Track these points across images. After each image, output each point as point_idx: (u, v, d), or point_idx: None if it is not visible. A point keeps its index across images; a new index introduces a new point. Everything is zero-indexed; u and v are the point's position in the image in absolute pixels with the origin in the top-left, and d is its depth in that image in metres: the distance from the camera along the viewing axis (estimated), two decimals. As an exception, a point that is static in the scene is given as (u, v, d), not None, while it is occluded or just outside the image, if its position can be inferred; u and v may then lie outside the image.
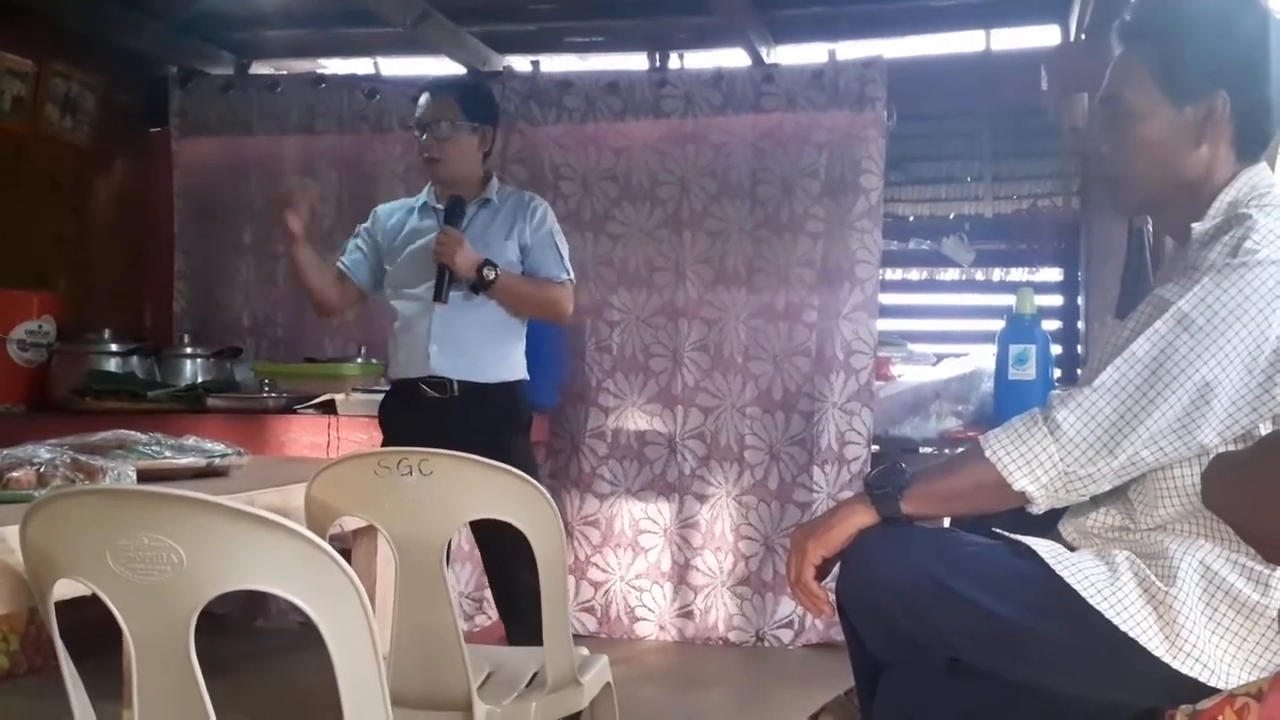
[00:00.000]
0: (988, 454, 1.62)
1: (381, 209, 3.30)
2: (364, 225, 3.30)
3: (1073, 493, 1.60)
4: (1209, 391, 1.52)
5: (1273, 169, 1.74)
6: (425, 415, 3.03)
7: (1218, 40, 1.67)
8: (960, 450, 1.69)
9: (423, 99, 3.14)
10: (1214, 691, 1.38)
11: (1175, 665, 1.50)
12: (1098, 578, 1.55)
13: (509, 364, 3.11)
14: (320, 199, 3.34)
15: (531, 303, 3.11)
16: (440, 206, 3.09)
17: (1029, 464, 1.59)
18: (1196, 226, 1.66)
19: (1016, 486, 1.59)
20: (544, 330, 4.13)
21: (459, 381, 3.03)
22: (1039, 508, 1.63)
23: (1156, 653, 1.50)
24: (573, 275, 3.18)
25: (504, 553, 2.91)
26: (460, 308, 3.01)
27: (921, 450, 4.56)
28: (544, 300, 3.10)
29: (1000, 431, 1.63)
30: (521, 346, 3.16)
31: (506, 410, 3.07)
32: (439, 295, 2.96)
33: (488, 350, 3.06)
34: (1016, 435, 1.61)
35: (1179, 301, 1.55)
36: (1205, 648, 1.50)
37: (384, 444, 3.10)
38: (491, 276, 2.95)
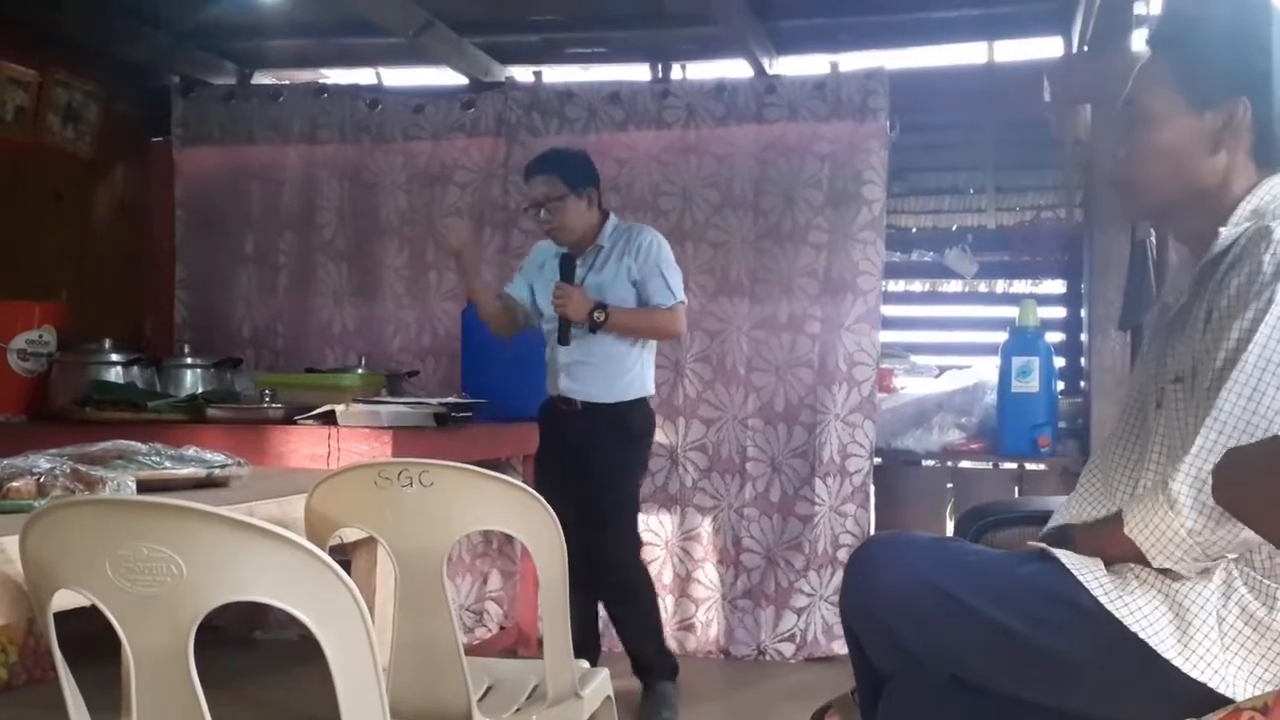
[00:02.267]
0: (1127, 530, 1.56)
1: (537, 247, 3.75)
2: (526, 258, 3.79)
3: (1220, 555, 1.54)
4: None
5: None
6: (561, 424, 3.59)
7: (1239, 48, 1.67)
8: (1106, 520, 1.64)
9: (531, 180, 3.54)
10: (1223, 702, 1.37)
11: (1187, 670, 1.49)
12: (1110, 583, 1.54)
13: (623, 386, 3.56)
14: (467, 233, 3.85)
15: (644, 331, 3.56)
16: (559, 256, 3.54)
17: (1162, 543, 1.53)
18: (1224, 232, 1.63)
19: (1157, 565, 1.54)
20: (544, 345, 4.15)
21: (582, 401, 3.54)
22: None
23: (1168, 655, 1.49)
24: (681, 297, 3.57)
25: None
26: (583, 342, 3.51)
27: (924, 463, 4.56)
28: (653, 326, 3.56)
29: (1136, 505, 1.58)
30: (641, 368, 3.60)
31: (623, 421, 3.56)
32: (562, 339, 3.51)
33: (605, 375, 3.54)
34: (1147, 511, 1.55)
35: (1252, 341, 1.52)
36: (1216, 655, 1.49)
37: (539, 448, 3.73)
38: (602, 319, 3.45)
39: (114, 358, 4.15)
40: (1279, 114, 1.66)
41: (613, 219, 3.61)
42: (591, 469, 3.50)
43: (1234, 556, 1.55)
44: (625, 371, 3.56)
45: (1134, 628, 1.50)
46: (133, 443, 2.09)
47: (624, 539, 3.59)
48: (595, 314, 3.44)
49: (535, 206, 3.53)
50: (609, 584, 3.61)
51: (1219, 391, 1.53)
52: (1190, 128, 1.68)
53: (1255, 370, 1.52)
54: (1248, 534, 1.50)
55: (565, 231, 3.52)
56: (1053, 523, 1.79)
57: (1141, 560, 1.56)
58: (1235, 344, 1.54)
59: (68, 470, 1.81)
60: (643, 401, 3.62)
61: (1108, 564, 1.59)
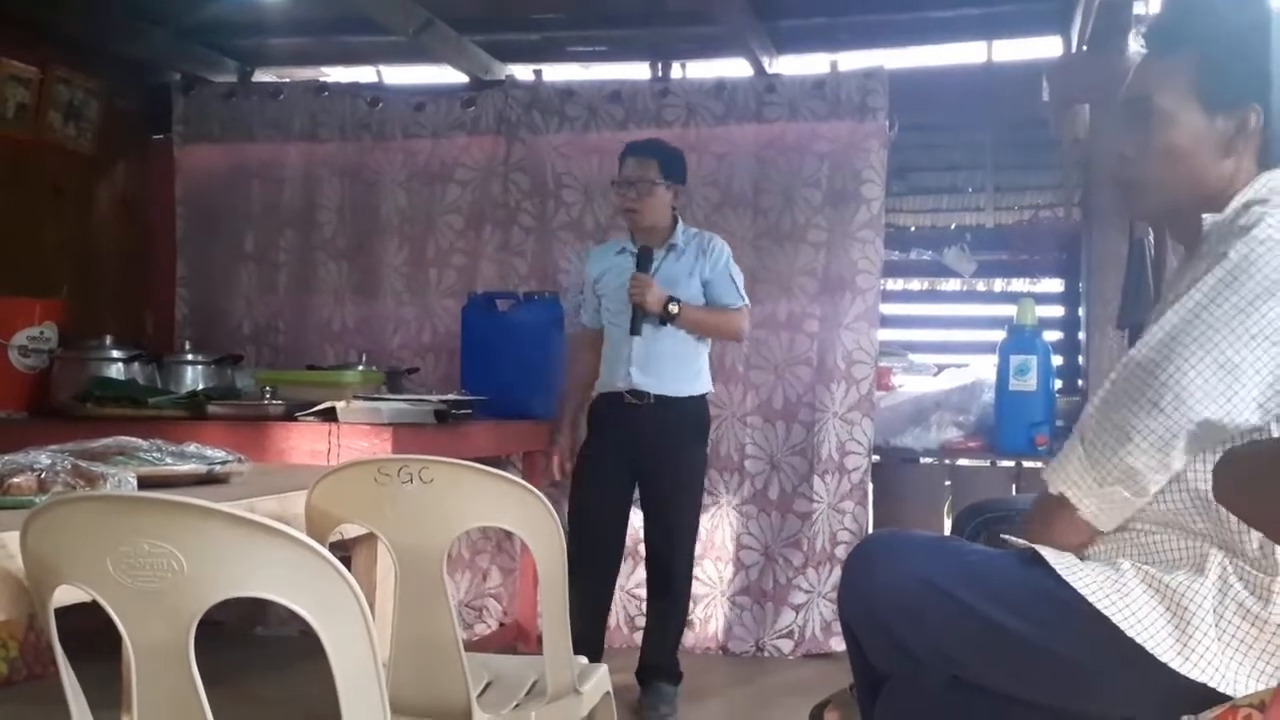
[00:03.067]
0: (1042, 474, 1.62)
1: (591, 257, 3.90)
2: (583, 278, 3.94)
3: (1112, 490, 1.57)
4: (1235, 370, 1.49)
5: None
6: (628, 418, 3.63)
7: (1261, 53, 1.66)
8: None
9: (630, 158, 3.64)
10: (1222, 699, 1.38)
11: (1185, 672, 1.49)
12: (1107, 585, 1.54)
13: (693, 381, 3.66)
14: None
15: (711, 328, 3.68)
16: (635, 250, 3.63)
17: (1063, 468, 1.60)
18: (1207, 218, 1.64)
19: (1054, 490, 1.59)
20: (544, 341, 4.13)
21: (655, 395, 3.60)
22: (1101, 522, 1.61)
23: (1165, 659, 1.49)
24: (747, 300, 3.71)
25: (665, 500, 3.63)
26: (653, 336, 3.58)
27: (922, 461, 4.57)
28: (721, 325, 3.68)
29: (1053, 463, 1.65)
30: (705, 365, 3.72)
31: (692, 417, 3.67)
32: (634, 329, 3.56)
33: (676, 369, 3.62)
34: (1061, 450, 1.62)
35: (1191, 291, 1.54)
36: (1215, 654, 1.50)
37: (588, 441, 3.77)
38: (675, 311, 3.53)
39: (115, 354, 4.16)
40: None
41: (682, 222, 3.73)
42: (663, 463, 3.60)
43: (1227, 543, 1.55)
44: (696, 367, 3.67)
45: (1128, 630, 1.50)
46: (133, 439, 2.09)
47: (690, 538, 3.71)
48: (670, 306, 3.52)
49: (626, 184, 3.62)
50: (661, 579, 3.68)
51: (1153, 326, 1.56)
52: (1202, 130, 1.67)
53: (1193, 310, 1.53)
54: (1145, 474, 1.54)
55: (643, 215, 3.62)
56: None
57: (1052, 512, 1.62)
58: (1185, 290, 1.56)
59: (68, 466, 1.81)
60: (705, 399, 3.72)
61: (1042, 535, 1.64)
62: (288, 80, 5.13)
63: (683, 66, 4.90)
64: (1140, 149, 1.72)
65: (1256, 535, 1.54)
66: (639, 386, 3.61)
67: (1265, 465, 1.06)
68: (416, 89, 4.90)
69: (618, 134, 4.51)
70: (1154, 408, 1.51)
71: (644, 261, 3.58)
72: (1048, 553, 1.59)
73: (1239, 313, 1.50)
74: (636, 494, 3.72)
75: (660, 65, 4.86)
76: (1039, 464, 4.36)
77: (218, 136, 4.89)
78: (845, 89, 4.34)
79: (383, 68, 5.16)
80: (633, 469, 3.64)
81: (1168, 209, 1.77)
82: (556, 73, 4.90)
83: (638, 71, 4.86)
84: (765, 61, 4.61)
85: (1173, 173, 1.70)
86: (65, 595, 1.43)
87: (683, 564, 3.70)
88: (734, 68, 4.68)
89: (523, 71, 4.87)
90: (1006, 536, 1.71)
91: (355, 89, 4.89)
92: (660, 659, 3.68)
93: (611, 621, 4.45)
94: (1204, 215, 1.65)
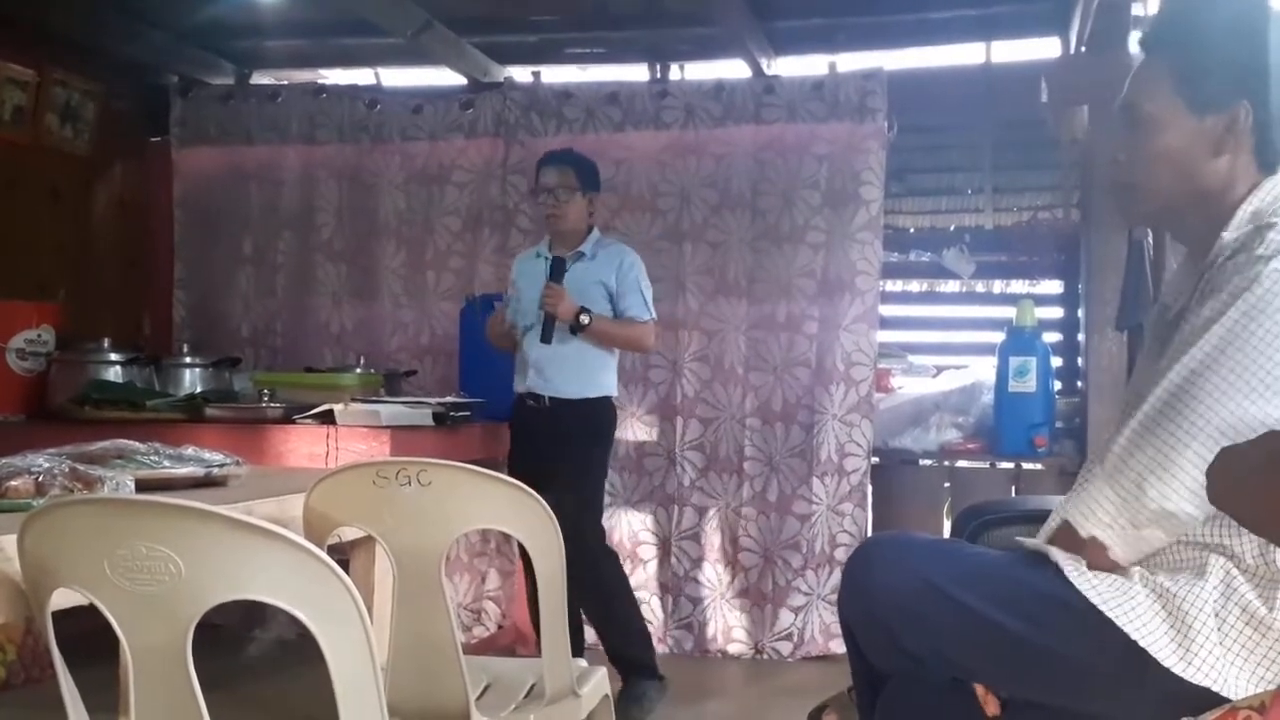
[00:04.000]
0: (1061, 514, 1.60)
1: (517, 260, 3.95)
2: (512, 277, 3.92)
3: (1148, 534, 1.56)
4: (1269, 403, 1.49)
5: None
6: (529, 421, 3.71)
7: (1241, 50, 1.66)
8: (1058, 527, 1.66)
9: (548, 167, 3.73)
10: (1221, 701, 1.38)
11: (1186, 676, 1.49)
12: (1111, 588, 1.54)
13: (589, 383, 3.70)
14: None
15: (619, 341, 3.74)
16: (549, 258, 3.69)
17: (1090, 510, 1.57)
18: (1226, 235, 1.63)
19: (1084, 534, 1.57)
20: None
21: (549, 398, 3.67)
22: (1128, 559, 1.58)
23: (1167, 662, 1.49)
24: (654, 315, 3.76)
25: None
26: (555, 340, 3.62)
27: (921, 462, 4.56)
28: (628, 338, 3.74)
29: (1073, 492, 1.62)
30: (605, 369, 3.75)
31: (587, 420, 3.69)
32: (545, 338, 3.60)
33: (574, 373, 3.67)
34: (1080, 487, 1.60)
35: (1215, 327, 1.53)
36: (1217, 659, 1.49)
37: (511, 449, 3.81)
38: (586, 322, 3.59)
39: (112, 357, 4.16)
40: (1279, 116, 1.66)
41: (596, 231, 3.80)
42: (556, 465, 3.54)
43: (1225, 549, 1.55)
44: (592, 370, 3.71)
45: (1131, 634, 1.50)
46: (131, 442, 2.09)
47: (588, 534, 3.63)
48: (581, 316, 3.58)
49: (547, 191, 3.70)
50: (575, 577, 3.54)
51: (1175, 364, 1.55)
52: (1192, 131, 1.67)
53: (1217, 346, 1.52)
54: (1179, 514, 1.52)
55: (563, 221, 3.71)
56: (1050, 521, 1.79)
57: (1078, 549, 1.58)
58: (1204, 320, 1.55)
59: (66, 469, 1.81)
60: (607, 401, 3.76)
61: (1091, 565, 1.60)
62: (285, 83, 5.12)
63: (681, 68, 4.90)
64: (1132, 153, 1.73)
65: (1254, 543, 1.54)
66: (534, 389, 3.69)
67: (1256, 463, 1.06)
68: (414, 91, 4.90)
69: (615, 136, 4.52)
70: (1186, 449, 1.50)
71: (557, 272, 3.63)
72: (1056, 554, 1.59)
73: (1267, 346, 1.50)
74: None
75: (659, 67, 4.86)
76: (1038, 465, 4.37)
77: (215, 139, 4.89)
78: (844, 90, 4.33)
79: (381, 70, 5.15)
80: (537, 470, 3.44)
81: (1164, 211, 1.77)
82: (554, 74, 4.90)
83: (636, 73, 4.87)
84: (764, 63, 4.61)
85: (1166, 175, 1.70)
86: (63, 599, 1.42)
87: (591, 561, 3.53)
88: (732, 69, 4.68)
89: (521, 73, 4.86)
90: (1021, 540, 1.70)
91: (353, 91, 4.89)
92: (622, 653, 3.63)
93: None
94: (1222, 234, 1.64)
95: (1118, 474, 1.55)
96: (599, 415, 3.74)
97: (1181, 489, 1.51)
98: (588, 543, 3.60)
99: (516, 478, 3.38)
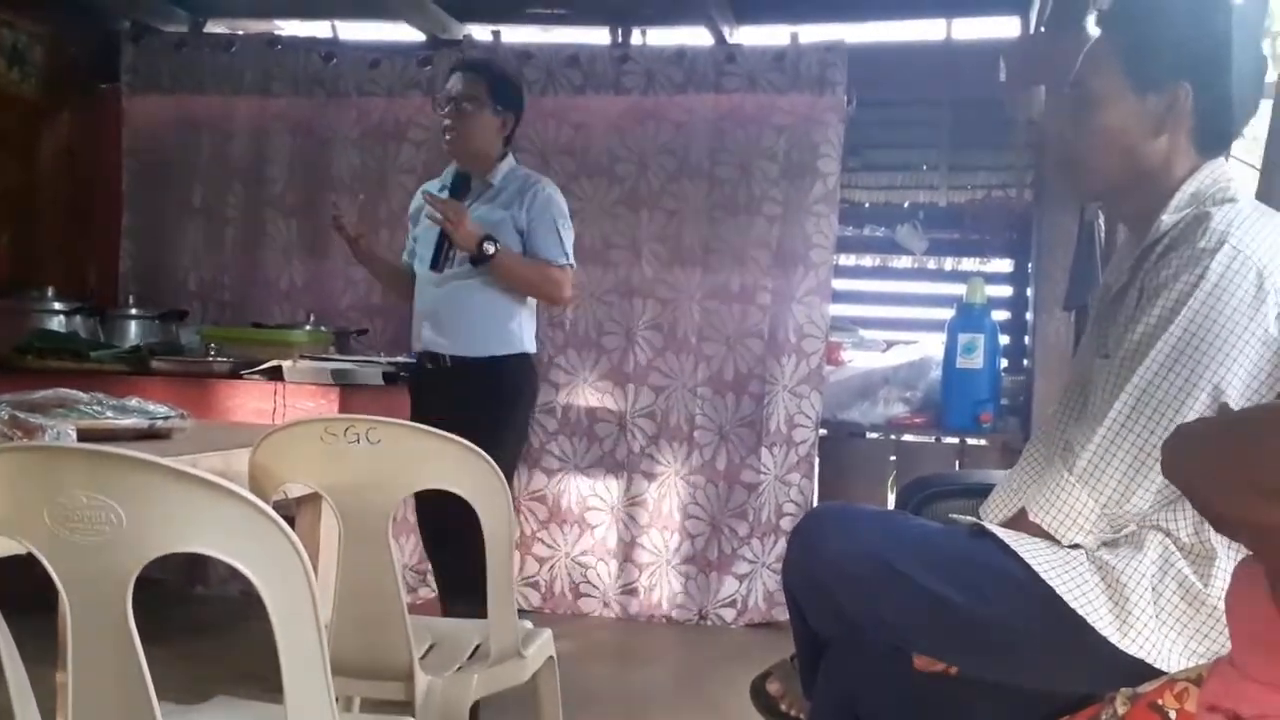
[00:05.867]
0: (1033, 518, 1.62)
1: (419, 191, 3.36)
2: (410, 211, 3.43)
3: (1123, 528, 1.60)
4: (1220, 394, 1.53)
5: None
6: (429, 386, 3.24)
7: (1185, 32, 1.68)
8: (1014, 516, 1.69)
9: (453, 76, 3.24)
10: (1158, 674, 1.41)
11: (1123, 646, 1.52)
12: (1053, 558, 1.57)
13: (498, 339, 3.19)
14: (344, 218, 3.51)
15: (528, 283, 3.20)
16: (457, 172, 3.21)
17: (1071, 519, 1.59)
18: (1165, 218, 1.67)
19: (1067, 542, 1.60)
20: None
21: (450, 356, 3.19)
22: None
23: (1104, 631, 1.52)
24: (573, 261, 3.25)
25: (448, 528, 2.86)
26: (452, 286, 3.13)
27: (868, 435, 4.61)
28: (541, 280, 3.19)
29: (1038, 493, 1.64)
30: (520, 322, 3.23)
31: (501, 382, 3.17)
32: (435, 264, 3.08)
33: (479, 326, 3.16)
34: (1052, 494, 1.61)
35: (1178, 316, 1.56)
36: (1152, 631, 1.53)
37: (411, 414, 3.25)
38: (491, 251, 3.04)
39: (56, 306, 4.09)
40: (1222, 100, 1.68)
41: (511, 159, 3.32)
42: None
43: (1162, 527, 1.59)
44: (501, 323, 3.19)
45: (1071, 603, 1.53)
46: (74, 391, 2.06)
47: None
48: (485, 245, 3.03)
49: (449, 102, 3.18)
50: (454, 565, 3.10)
51: (1137, 366, 1.57)
52: (1133, 110, 1.70)
53: (1176, 346, 1.56)
54: (1152, 509, 1.56)
55: (463, 141, 3.19)
56: (993, 496, 1.82)
57: (1053, 541, 1.61)
58: (1157, 320, 1.58)
59: (6, 417, 1.78)
60: (523, 359, 3.26)
61: None
62: (240, 32, 5.03)
63: (643, 33, 4.86)
64: (1077, 130, 1.76)
65: (1189, 522, 1.57)
66: (431, 348, 3.20)
67: (1207, 435, 1.08)
68: (372, 46, 4.82)
69: (575, 99, 4.49)
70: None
71: (458, 188, 3.13)
72: (994, 527, 1.61)
73: (1223, 343, 1.54)
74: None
75: (620, 31, 4.82)
76: (983, 441, 4.42)
77: (167, 88, 4.79)
78: (805, 61, 4.33)
79: (338, 23, 5.07)
80: None
81: (1106, 189, 1.80)
82: (515, 34, 4.85)
83: (598, 36, 4.82)
84: (726, 31, 4.59)
85: (1107, 153, 1.73)
86: (1, 547, 1.40)
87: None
88: (694, 36, 4.66)
89: (481, 32, 4.81)
90: (956, 517, 1.73)
91: (309, 44, 4.81)
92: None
93: (556, 588, 4.48)
94: (1162, 216, 1.67)
95: (1095, 482, 1.58)
96: (512, 376, 3.20)
97: (1158, 490, 1.56)
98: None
99: None
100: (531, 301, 3.29)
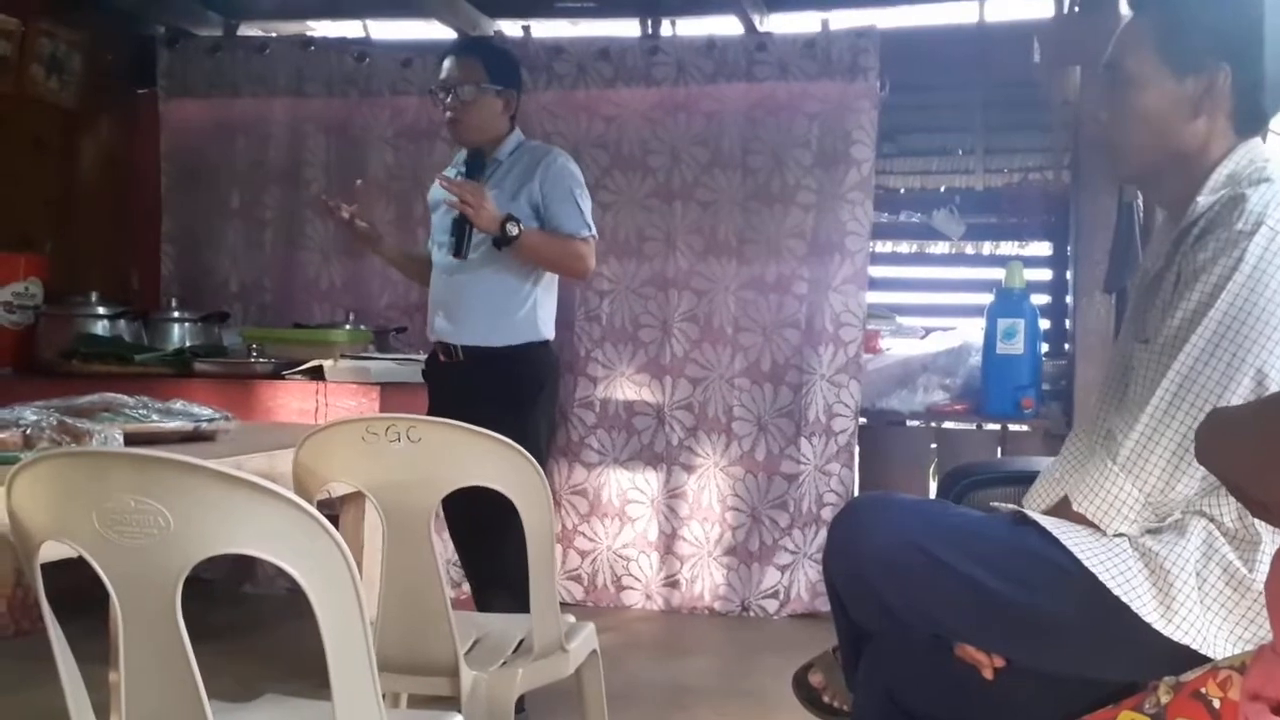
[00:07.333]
0: (1076, 508, 1.61)
1: (435, 182, 3.23)
2: (429, 201, 3.32)
3: (1168, 516, 1.59)
4: (1264, 378, 1.52)
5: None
6: (443, 378, 3.15)
7: (1223, 13, 1.66)
8: (1057, 505, 1.68)
9: (447, 61, 3.12)
10: (1203, 661, 1.40)
11: (1168, 632, 1.51)
12: (1095, 544, 1.56)
13: (512, 328, 3.07)
14: (355, 198, 3.37)
15: (552, 261, 3.08)
16: (470, 152, 3.10)
17: (1115, 508, 1.58)
18: (1201, 199, 1.65)
19: (1112, 532, 1.58)
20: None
21: (464, 347, 3.08)
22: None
23: (1149, 618, 1.51)
24: (594, 231, 3.14)
25: (480, 525, 2.90)
26: (464, 273, 3.03)
27: (908, 423, 4.58)
28: (565, 255, 3.06)
29: (1081, 482, 1.62)
30: (534, 308, 3.10)
31: (518, 373, 3.06)
32: (459, 251, 2.96)
33: (492, 314, 3.05)
34: (1096, 484, 1.60)
35: (1216, 302, 1.54)
36: (1197, 617, 1.51)
37: (429, 409, 3.15)
38: (515, 232, 2.91)
39: (100, 311, 4.14)
40: (1258, 81, 1.66)
41: (518, 134, 3.20)
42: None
43: (1206, 513, 1.57)
44: (514, 310, 3.07)
45: (1115, 590, 1.52)
46: (119, 395, 2.09)
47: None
48: (508, 225, 2.90)
49: (445, 90, 3.07)
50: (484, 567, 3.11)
51: (1178, 352, 1.56)
52: (1171, 92, 1.68)
53: (1217, 331, 1.54)
54: (1198, 489, 1.55)
55: (467, 128, 3.08)
56: (1035, 485, 1.81)
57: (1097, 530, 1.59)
58: (1196, 305, 1.56)
59: (54, 422, 1.81)
60: (540, 347, 3.13)
61: None
62: (273, 34, 5.07)
63: (673, 24, 4.85)
64: (1115, 112, 1.74)
65: (1233, 507, 1.55)
66: (444, 338, 3.09)
67: (1242, 420, 1.07)
68: (404, 45, 4.84)
69: (606, 92, 4.49)
70: None
71: (475, 167, 3.00)
72: (1037, 515, 1.60)
73: (1264, 325, 1.52)
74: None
75: (650, 22, 4.81)
76: (1024, 427, 4.38)
77: (203, 91, 4.84)
78: (836, 48, 4.31)
79: (370, 22, 5.09)
80: None
81: (1145, 171, 1.78)
82: (545, 29, 4.85)
83: (628, 29, 4.82)
84: (756, 19, 4.57)
85: (1145, 135, 1.71)
86: (52, 551, 1.43)
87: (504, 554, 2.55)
88: (724, 25, 4.64)
89: (511, 27, 4.82)
90: (998, 505, 1.72)
91: (341, 44, 4.84)
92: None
93: (598, 581, 4.49)
94: (1198, 198, 1.65)
95: (1139, 471, 1.56)
96: (530, 366, 3.07)
97: (1202, 477, 1.54)
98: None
99: None
100: (548, 286, 3.16)
